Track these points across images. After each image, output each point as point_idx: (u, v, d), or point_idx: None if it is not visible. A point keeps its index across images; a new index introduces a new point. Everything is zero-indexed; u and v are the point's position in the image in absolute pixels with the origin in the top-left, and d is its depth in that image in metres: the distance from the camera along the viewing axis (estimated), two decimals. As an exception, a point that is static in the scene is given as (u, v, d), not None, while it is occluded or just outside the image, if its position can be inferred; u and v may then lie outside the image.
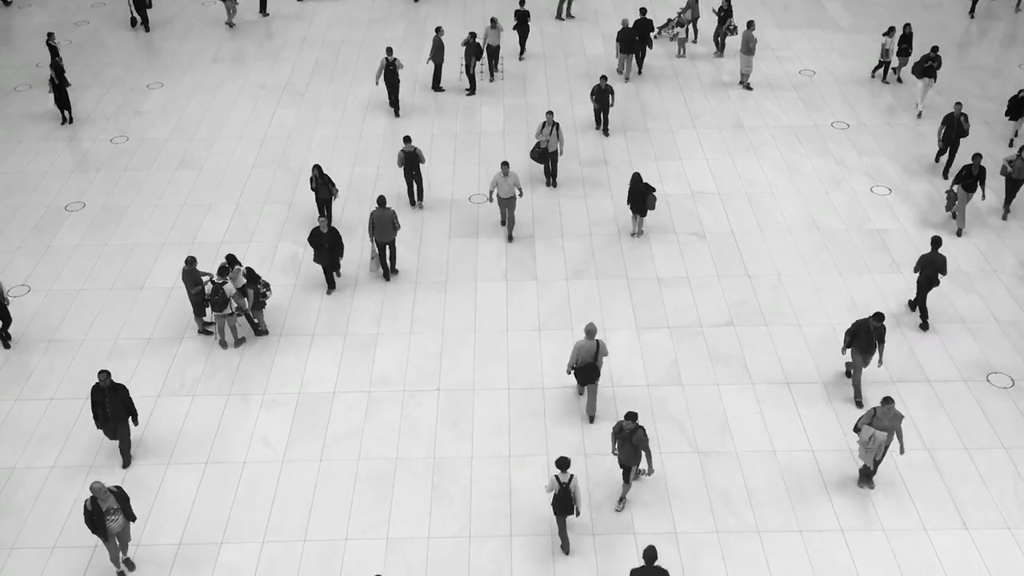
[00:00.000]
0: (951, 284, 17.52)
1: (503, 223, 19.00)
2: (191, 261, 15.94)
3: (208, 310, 16.93)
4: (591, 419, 14.64)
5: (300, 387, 15.60)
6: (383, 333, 16.68)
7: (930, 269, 16.03)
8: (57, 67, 22.47)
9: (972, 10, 28.14)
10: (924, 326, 16.44)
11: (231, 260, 16.24)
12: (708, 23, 27.87)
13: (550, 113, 19.74)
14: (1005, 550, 12.78)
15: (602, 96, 21.65)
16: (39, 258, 18.71)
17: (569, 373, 14.42)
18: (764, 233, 19.03)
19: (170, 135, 22.85)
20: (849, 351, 15.87)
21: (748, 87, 24.39)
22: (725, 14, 25.50)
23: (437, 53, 23.84)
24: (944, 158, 21.41)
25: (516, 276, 17.96)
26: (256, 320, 16.51)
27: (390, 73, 22.80)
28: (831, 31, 27.47)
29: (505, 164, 17.90)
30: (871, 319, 14.50)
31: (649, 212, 19.39)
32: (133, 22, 27.81)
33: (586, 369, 14.33)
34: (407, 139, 19.16)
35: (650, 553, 10.99)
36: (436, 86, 24.53)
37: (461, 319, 16.97)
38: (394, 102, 23.22)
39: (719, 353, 16.13)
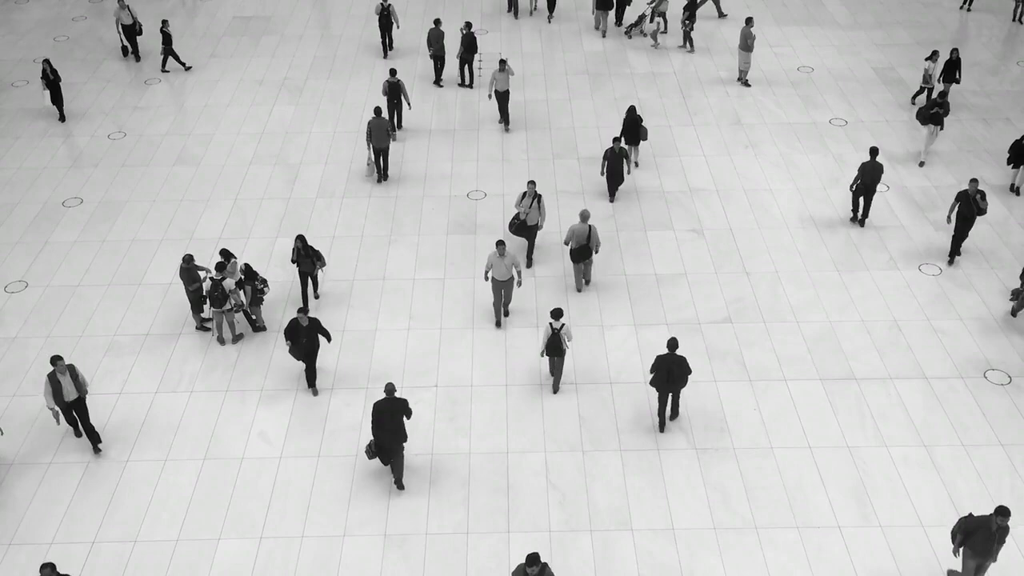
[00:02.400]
0: (948, 281, 17.55)
1: (496, 309, 16.48)
2: (189, 259, 15.93)
3: (206, 306, 16.92)
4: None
5: (298, 383, 15.60)
6: (381, 329, 16.67)
7: (868, 177, 18.34)
8: (48, 64, 22.33)
9: (966, 4, 28.20)
10: (861, 223, 19.00)
11: (226, 254, 16.23)
12: (677, 17, 27.88)
13: (532, 183, 17.17)
14: (1003, 547, 12.79)
15: (616, 161, 18.99)
16: (37, 254, 18.68)
17: (567, 244, 17.19)
18: (762, 230, 19.04)
19: (168, 131, 22.82)
20: (961, 552, 12.24)
21: (746, 84, 24.39)
22: (691, 6, 25.66)
23: (437, 45, 23.87)
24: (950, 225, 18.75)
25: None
26: (254, 316, 16.50)
27: (384, 17, 25.02)
28: (829, 28, 27.47)
29: (501, 243, 15.57)
30: (994, 516, 11.18)
31: (643, 145, 21.26)
32: (124, 51, 26.14)
33: (580, 249, 16.88)
34: (392, 71, 21.66)
35: (673, 343, 13.93)
36: (437, 80, 24.53)
37: (459, 315, 16.97)
38: (385, 43, 25.45)
39: (717, 350, 16.14)
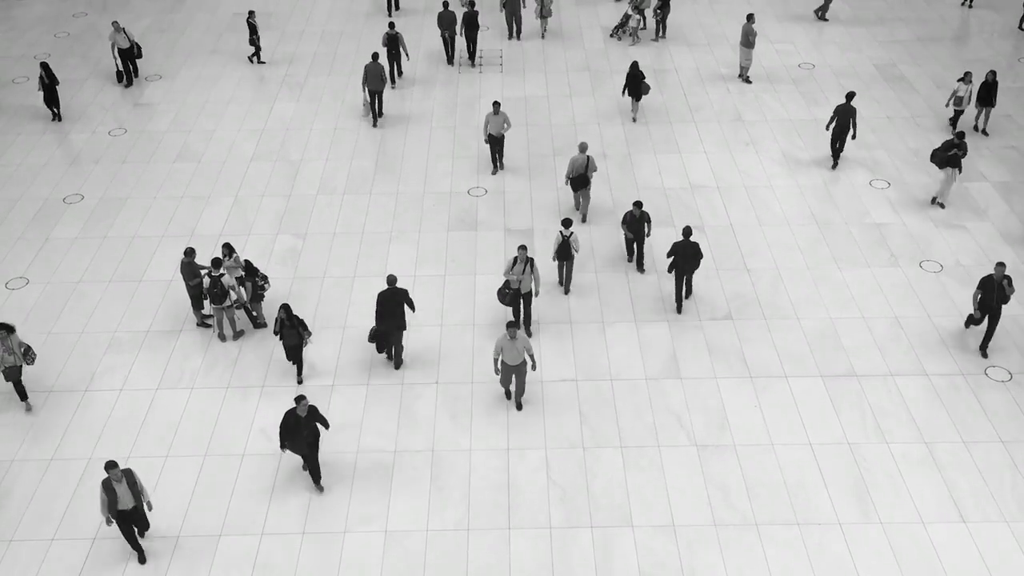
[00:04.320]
0: (949, 278, 17.53)
1: (508, 396, 15.12)
2: (190, 253, 15.93)
3: (206, 303, 16.92)
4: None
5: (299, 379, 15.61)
6: (382, 326, 16.68)
7: (843, 118, 19.97)
8: (45, 68, 22.16)
9: (967, 1, 28.15)
10: (835, 160, 20.49)
11: (228, 248, 16.20)
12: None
13: (523, 248, 15.58)
14: (1002, 544, 12.81)
15: (636, 224, 17.34)
16: (37, 250, 18.69)
17: (566, 183, 18.70)
18: (763, 227, 19.03)
19: (168, 127, 22.81)
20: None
21: (747, 80, 24.36)
22: (662, 4, 26.03)
23: (449, 28, 24.74)
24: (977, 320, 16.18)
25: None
26: (255, 313, 16.50)
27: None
28: (831, 24, 27.43)
29: (512, 326, 14.02)
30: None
31: (644, 99, 21.68)
32: (119, 76, 24.22)
33: (579, 178, 18.46)
34: (391, 24, 22.96)
35: (687, 230, 16.04)
36: (450, 60, 25.43)
37: (459, 312, 16.96)
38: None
39: (718, 346, 16.14)
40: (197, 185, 20.60)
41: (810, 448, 14.28)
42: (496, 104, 19.86)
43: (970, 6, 28.32)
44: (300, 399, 12.84)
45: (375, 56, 21.80)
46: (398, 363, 15.60)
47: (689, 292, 17.01)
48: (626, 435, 14.50)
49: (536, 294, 16.03)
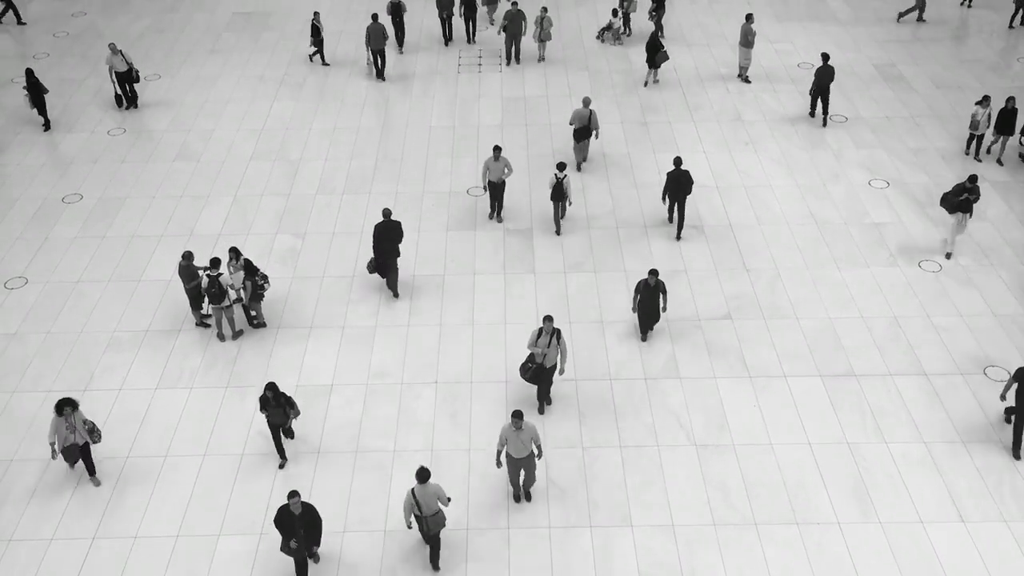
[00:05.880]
0: (948, 278, 17.54)
1: (516, 497, 13.53)
2: (188, 256, 15.91)
3: (205, 302, 16.90)
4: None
5: (298, 379, 15.60)
6: (381, 325, 16.67)
7: (822, 80, 21.61)
8: (30, 72, 21.88)
9: (966, 1, 28.14)
10: (824, 122, 22.13)
11: (235, 252, 16.16)
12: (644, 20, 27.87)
13: (549, 319, 14.03)
14: (1001, 543, 12.82)
15: (650, 294, 15.58)
16: (36, 250, 18.68)
17: (571, 125, 20.30)
18: (762, 226, 19.04)
19: (168, 127, 22.80)
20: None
21: (746, 80, 24.37)
22: (657, 6, 25.97)
23: (448, 9, 25.61)
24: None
25: (514, 269, 17.95)
26: (254, 312, 16.49)
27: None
28: (830, 24, 27.44)
29: (518, 416, 12.53)
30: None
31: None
32: (119, 100, 23.34)
33: (582, 129, 20.18)
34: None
35: (678, 160, 17.74)
36: (446, 41, 26.47)
37: (459, 311, 16.96)
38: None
39: (717, 346, 16.14)
40: (196, 185, 20.59)
41: (809, 448, 14.28)
42: (497, 149, 18.27)
43: (969, 6, 28.34)
44: (292, 495, 11.52)
45: (375, 17, 23.42)
46: (394, 289, 17.01)
47: (682, 220, 18.31)
48: (625, 435, 14.50)
49: (561, 371, 14.42)
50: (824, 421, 14.71)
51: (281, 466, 13.99)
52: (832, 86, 23.85)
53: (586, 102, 19.94)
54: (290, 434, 14.39)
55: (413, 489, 11.85)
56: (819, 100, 22.22)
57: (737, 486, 13.68)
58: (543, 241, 18.70)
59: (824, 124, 22.04)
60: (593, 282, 17.60)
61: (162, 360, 16.03)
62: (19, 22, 27.90)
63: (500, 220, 19.17)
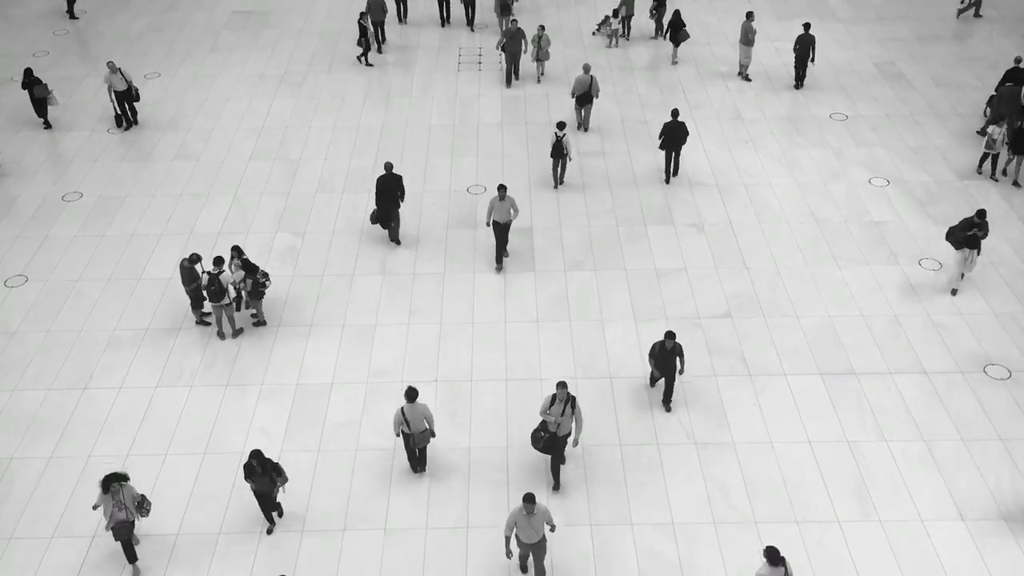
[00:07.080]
0: (948, 276, 17.53)
1: (523, 566, 12.57)
2: (194, 259, 15.87)
3: (205, 301, 16.90)
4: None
5: (298, 377, 15.60)
6: (381, 323, 16.67)
7: (804, 47, 23.23)
8: (29, 72, 21.85)
9: (968, 7, 27.85)
10: (797, 85, 23.81)
11: (238, 251, 16.15)
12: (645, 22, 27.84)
13: (562, 385, 13.04)
14: (1001, 541, 12.82)
15: (667, 358, 14.42)
16: (36, 248, 18.67)
17: (573, 97, 21.50)
18: (762, 225, 19.03)
19: (167, 126, 22.79)
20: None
21: (747, 78, 24.36)
22: (658, 4, 26.16)
23: None
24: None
25: (514, 267, 17.95)
26: (254, 310, 16.49)
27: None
28: (830, 22, 27.43)
29: (530, 500, 11.47)
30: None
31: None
32: (119, 120, 22.45)
33: (583, 96, 21.28)
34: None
35: (675, 112, 19.29)
36: (443, 23, 27.49)
37: (459, 309, 16.96)
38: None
39: (717, 345, 16.14)
40: (196, 183, 20.58)
41: (809, 446, 14.28)
42: (502, 188, 17.03)
43: (978, 15, 27.81)
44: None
45: None
46: (396, 238, 18.27)
47: (677, 169, 20.13)
48: (625, 433, 14.50)
49: (576, 443, 13.38)
50: (824, 420, 14.71)
51: (269, 531, 13.07)
52: (832, 84, 23.84)
53: (586, 68, 20.92)
54: (279, 510, 13.15)
55: (403, 408, 13.02)
56: (801, 67, 23.53)
57: (737, 484, 13.68)
58: (543, 239, 18.69)
59: (797, 87, 23.77)
60: (593, 280, 17.60)
61: (162, 359, 16.03)
62: (71, 16, 28.30)
63: (501, 267, 17.79)
